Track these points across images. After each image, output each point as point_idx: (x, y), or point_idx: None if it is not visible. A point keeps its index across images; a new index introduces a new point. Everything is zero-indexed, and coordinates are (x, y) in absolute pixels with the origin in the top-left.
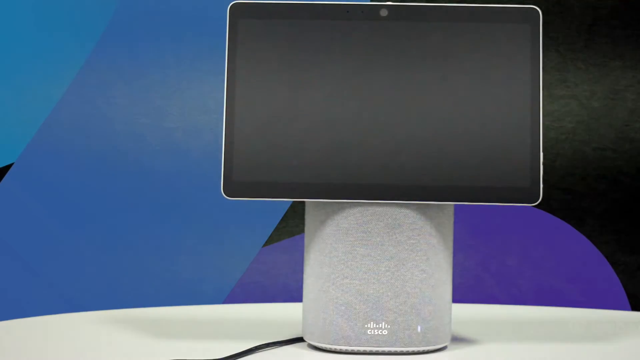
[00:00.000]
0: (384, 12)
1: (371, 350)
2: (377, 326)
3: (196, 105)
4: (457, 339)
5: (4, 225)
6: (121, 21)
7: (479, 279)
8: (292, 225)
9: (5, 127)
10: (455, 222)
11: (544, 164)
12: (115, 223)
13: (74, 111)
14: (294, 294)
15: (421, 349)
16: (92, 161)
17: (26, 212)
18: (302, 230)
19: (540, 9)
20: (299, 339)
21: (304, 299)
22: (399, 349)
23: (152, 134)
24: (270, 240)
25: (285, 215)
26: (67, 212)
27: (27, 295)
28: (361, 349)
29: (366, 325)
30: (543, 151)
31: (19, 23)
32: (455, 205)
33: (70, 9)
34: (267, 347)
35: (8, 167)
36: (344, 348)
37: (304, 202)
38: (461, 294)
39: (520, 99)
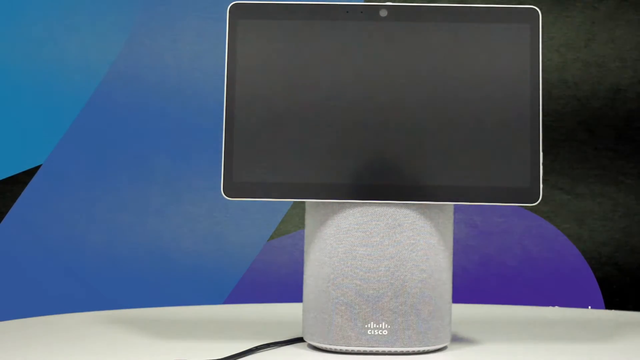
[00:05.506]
0: (383, 12)
1: (371, 350)
2: (377, 326)
3: (196, 105)
4: (457, 339)
5: (32, 226)
6: (144, 27)
7: (479, 279)
8: (292, 225)
9: (33, 129)
10: (455, 222)
11: (543, 164)
12: (115, 223)
13: (101, 113)
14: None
15: (421, 349)
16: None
17: (54, 213)
18: (302, 230)
19: (540, 9)
20: (299, 339)
21: (304, 299)
22: (399, 349)
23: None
24: (270, 240)
25: (285, 215)
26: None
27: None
28: (361, 349)
29: (366, 325)
30: (543, 151)
31: (45, 27)
32: (455, 205)
33: (96, 12)
34: (267, 347)
35: (36, 169)
36: (344, 348)
37: (304, 202)
38: (461, 294)
39: (520, 98)
